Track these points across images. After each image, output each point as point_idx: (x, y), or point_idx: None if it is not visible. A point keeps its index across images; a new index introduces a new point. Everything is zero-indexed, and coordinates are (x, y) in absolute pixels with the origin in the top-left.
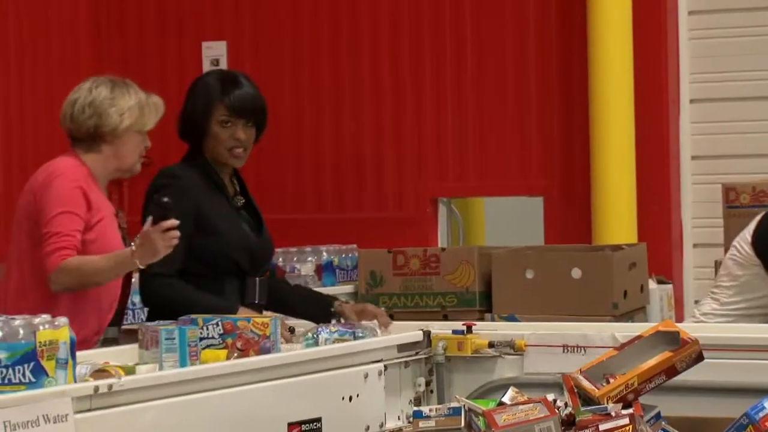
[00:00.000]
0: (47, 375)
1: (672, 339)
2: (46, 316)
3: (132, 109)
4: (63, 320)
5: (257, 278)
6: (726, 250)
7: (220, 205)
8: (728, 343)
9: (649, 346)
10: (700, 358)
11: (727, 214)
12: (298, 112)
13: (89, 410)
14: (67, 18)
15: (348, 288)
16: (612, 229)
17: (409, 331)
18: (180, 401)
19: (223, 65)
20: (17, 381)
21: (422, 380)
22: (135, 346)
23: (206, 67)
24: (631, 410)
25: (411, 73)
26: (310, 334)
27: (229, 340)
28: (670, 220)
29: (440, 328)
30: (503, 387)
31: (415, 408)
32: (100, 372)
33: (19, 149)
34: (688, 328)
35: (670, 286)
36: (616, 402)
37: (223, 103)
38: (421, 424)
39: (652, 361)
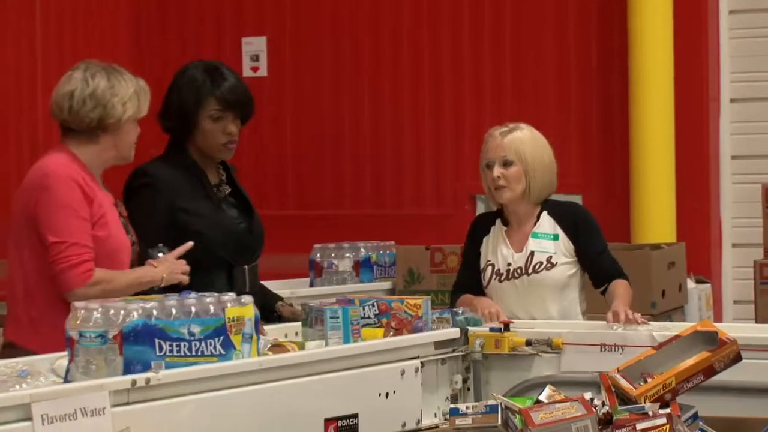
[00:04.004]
0: (235, 348)
1: (710, 339)
2: (232, 294)
3: (132, 97)
4: (248, 298)
5: (246, 267)
6: (765, 250)
7: (201, 201)
8: (767, 343)
9: (687, 346)
10: (738, 358)
11: (767, 214)
12: (337, 108)
13: (127, 404)
14: (107, 15)
15: (386, 285)
16: (651, 228)
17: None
18: (217, 396)
19: (263, 61)
20: (209, 353)
21: (459, 377)
22: (298, 325)
23: (246, 63)
24: (668, 410)
25: (451, 71)
26: None
27: (384, 320)
28: (710, 219)
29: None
30: (540, 385)
31: (452, 405)
32: (277, 347)
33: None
34: (726, 329)
35: (708, 285)
36: (654, 401)
37: (215, 96)
38: (458, 421)
39: (690, 361)
